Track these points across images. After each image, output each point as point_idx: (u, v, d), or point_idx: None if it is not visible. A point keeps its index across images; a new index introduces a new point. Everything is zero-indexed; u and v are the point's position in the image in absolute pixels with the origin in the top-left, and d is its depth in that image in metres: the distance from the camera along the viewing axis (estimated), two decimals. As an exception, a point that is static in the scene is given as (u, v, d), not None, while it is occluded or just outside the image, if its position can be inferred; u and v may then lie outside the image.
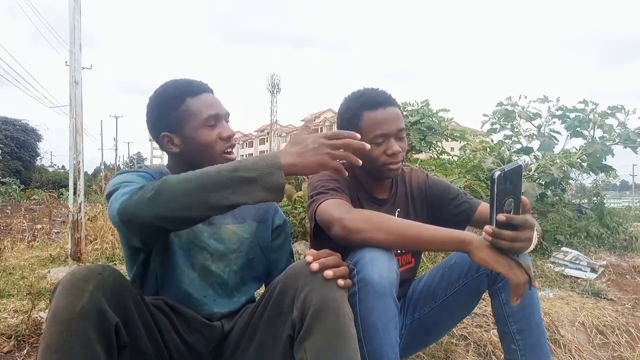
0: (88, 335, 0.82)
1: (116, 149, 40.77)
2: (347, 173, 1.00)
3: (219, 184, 0.91)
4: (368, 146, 0.98)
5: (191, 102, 1.16)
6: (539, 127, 4.89)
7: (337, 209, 1.20)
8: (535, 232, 1.10)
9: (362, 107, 1.37)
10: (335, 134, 0.98)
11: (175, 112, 1.16)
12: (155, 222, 0.93)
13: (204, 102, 1.18)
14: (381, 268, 1.07)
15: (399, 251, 1.44)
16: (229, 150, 1.20)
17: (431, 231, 1.13)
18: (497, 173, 0.99)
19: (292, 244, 1.40)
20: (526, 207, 1.09)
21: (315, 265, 0.97)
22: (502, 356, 1.36)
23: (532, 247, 1.09)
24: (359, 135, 0.98)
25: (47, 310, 1.86)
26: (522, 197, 1.05)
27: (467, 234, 1.11)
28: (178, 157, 1.20)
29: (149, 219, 0.92)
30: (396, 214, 1.46)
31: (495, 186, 1.00)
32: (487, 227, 1.04)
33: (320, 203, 1.25)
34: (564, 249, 3.60)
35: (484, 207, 1.41)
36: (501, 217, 1.00)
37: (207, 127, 1.16)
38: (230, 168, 0.93)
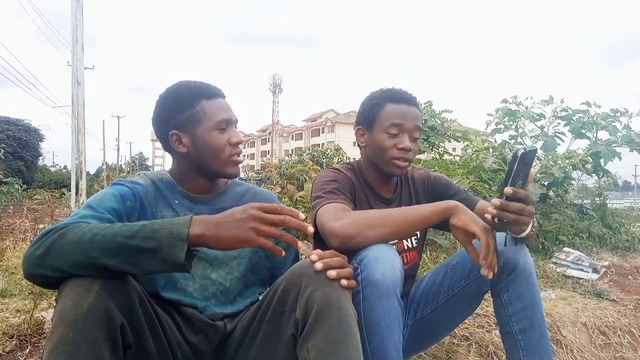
0: (94, 336, 0.82)
1: (118, 149, 41.03)
2: (283, 252, 0.91)
3: (111, 251, 0.84)
4: (311, 229, 0.92)
5: (206, 103, 1.16)
6: (541, 127, 4.88)
7: (328, 217, 1.19)
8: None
9: (386, 98, 1.40)
10: (273, 207, 0.90)
11: (189, 111, 1.15)
12: (54, 274, 0.87)
13: (218, 106, 1.18)
14: (385, 267, 1.06)
15: (405, 247, 1.46)
16: (236, 156, 1.19)
17: (417, 209, 1.17)
18: (521, 151, 1.03)
19: None
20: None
21: (319, 265, 0.97)
22: (504, 357, 1.36)
23: (528, 229, 1.12)
24: (302, 215, 0.91)
25: (49, 310, 1.88)
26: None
27: (450, 201, 1.15)
28: (184, 158, 1.18)
29: (45, 274, 0.87)
30: None
31: (516, 164, 1.03)
32: (495, 200, 1.06)
33: (318, 209, 1.25)
34: (566, 249, 3.60)
35: (482, 204, 1.41)
36: (508, 189, 1.04)
37: (218, 130, 1.16)
38: (128, 233, 0.86)
